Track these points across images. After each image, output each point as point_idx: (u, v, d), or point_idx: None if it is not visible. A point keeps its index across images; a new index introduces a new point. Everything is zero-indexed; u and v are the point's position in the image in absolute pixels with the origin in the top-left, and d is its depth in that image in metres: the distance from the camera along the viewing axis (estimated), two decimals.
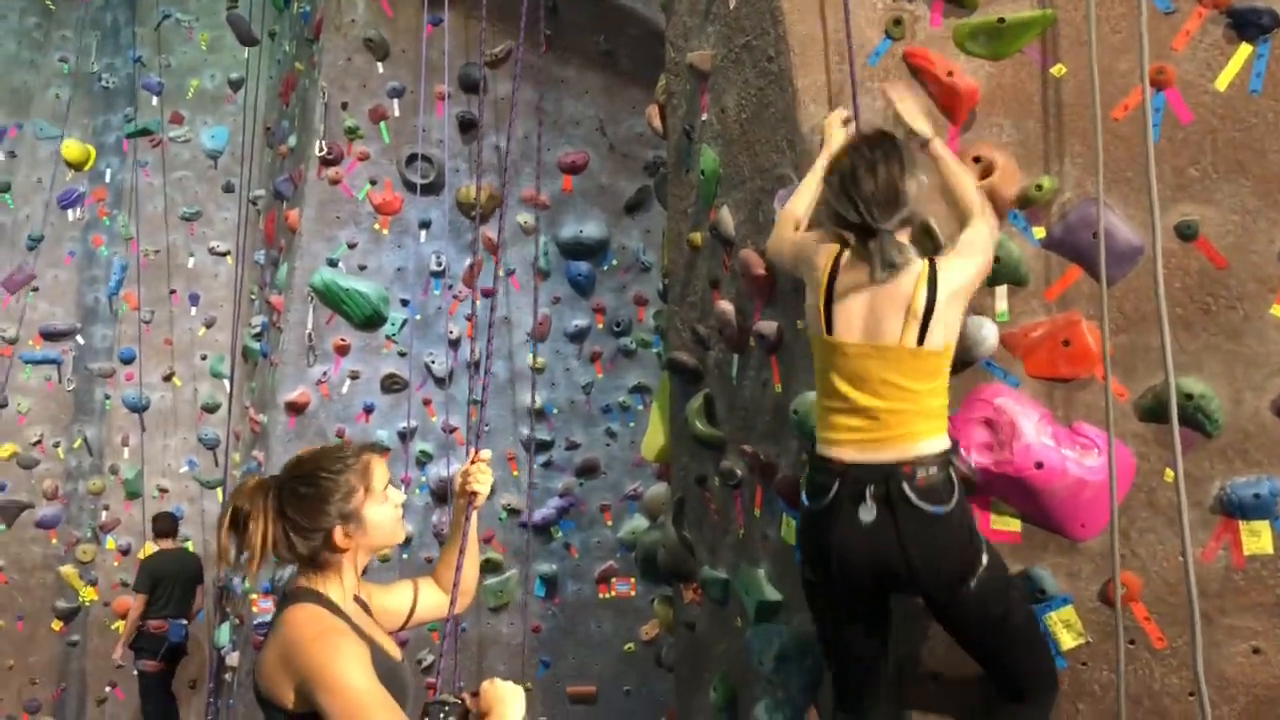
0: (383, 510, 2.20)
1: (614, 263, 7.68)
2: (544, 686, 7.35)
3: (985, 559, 2.58)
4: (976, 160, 2.90)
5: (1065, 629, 2.83)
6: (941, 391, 2.61)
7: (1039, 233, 2.90)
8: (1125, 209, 2.83)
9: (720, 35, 3.48)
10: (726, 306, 3.40)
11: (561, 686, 7.36)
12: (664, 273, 4.11)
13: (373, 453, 2.26)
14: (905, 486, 2.50)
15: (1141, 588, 2.79)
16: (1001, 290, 2.91)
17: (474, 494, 2.37)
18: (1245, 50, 2.78)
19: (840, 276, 2.64)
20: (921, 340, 2.54)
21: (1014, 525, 2.87)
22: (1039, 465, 2.78)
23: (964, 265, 2.61)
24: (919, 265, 2.58)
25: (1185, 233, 2.80)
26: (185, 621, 7.82)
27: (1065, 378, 2.86)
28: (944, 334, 2.57)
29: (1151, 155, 2.58)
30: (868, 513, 2.52)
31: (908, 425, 2.55)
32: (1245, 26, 2.77)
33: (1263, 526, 2.74)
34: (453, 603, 2.38)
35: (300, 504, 2.14)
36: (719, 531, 3.62)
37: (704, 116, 3.57)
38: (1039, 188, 2.88)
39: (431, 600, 2.42)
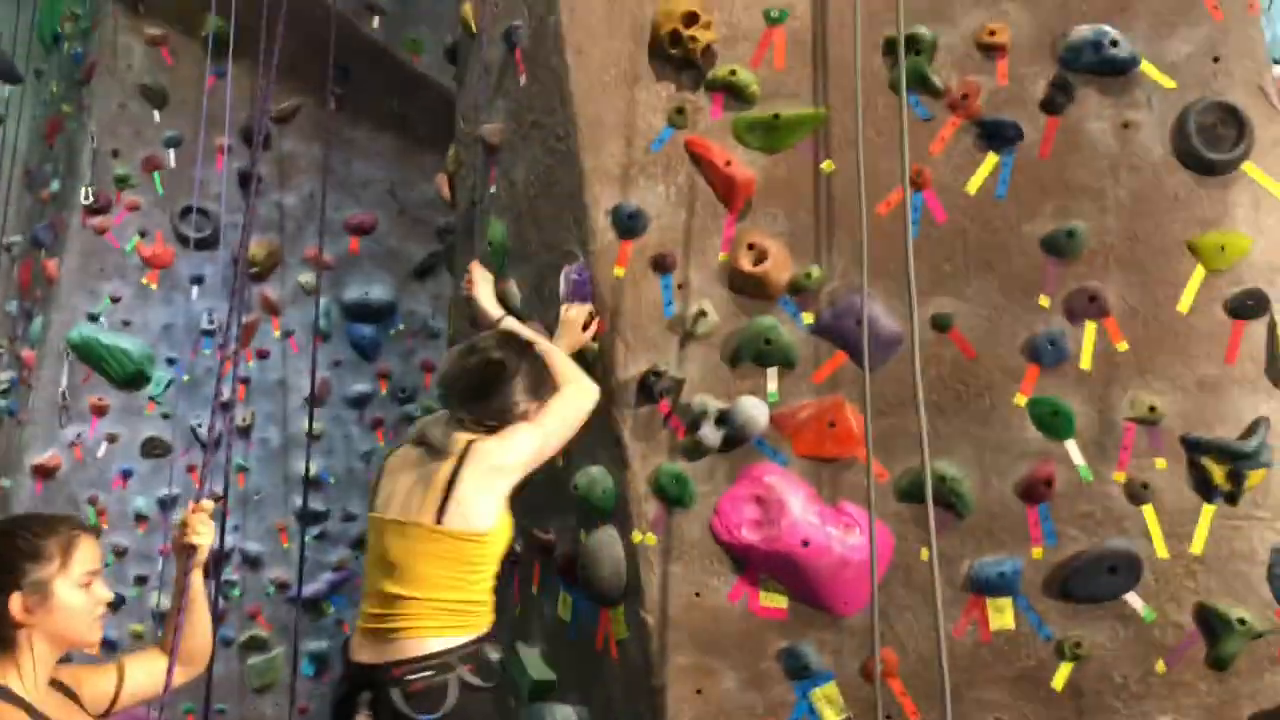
0: (75, 595, 2.00)
1: (401, 327, 7.52)
2: None
3: None
4: (751, 247, 3.01)
5: (827, 705, 2.91)
6: (472, 587, 2.52)
7: (808, 318, 3.03)
8: (887, 299, 3.00)
9: (510, 110, 3.50)
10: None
11: None
12: (450, 341, 4.06)
13: (87, 533, 2.07)
14: (393, 692, 2.41)
15: (898, 663, 2.91)
16: (772, 372, 3.02)
17: (192, 547, 2.18)
18: (992, 159, 3.02)
19: (394, 457, 2.71)
20: (440, 519, 2.48)
21: (781, 602, 2.95)
22: (805, 543, 2.87)
23: (506, 444, 2.57)
24: (460, 445, 2.57)
25: (941, 324, 2.99)
26: None
27: (830, 457, 2.98)
28: (469, 516, 2.48)
29: (910, 251, 2.74)
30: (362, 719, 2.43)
31: (418, 619, 2.47)
32: (992, 137, 3.02)
33: (1006, 603, 2.92)
34: (169, 670, 2.18)
35: None
36: (503, 615, 3.55)
37: (492, 189, 3.58)
38: (808, 276, 3.01)
39: (146, 672, 2.22)
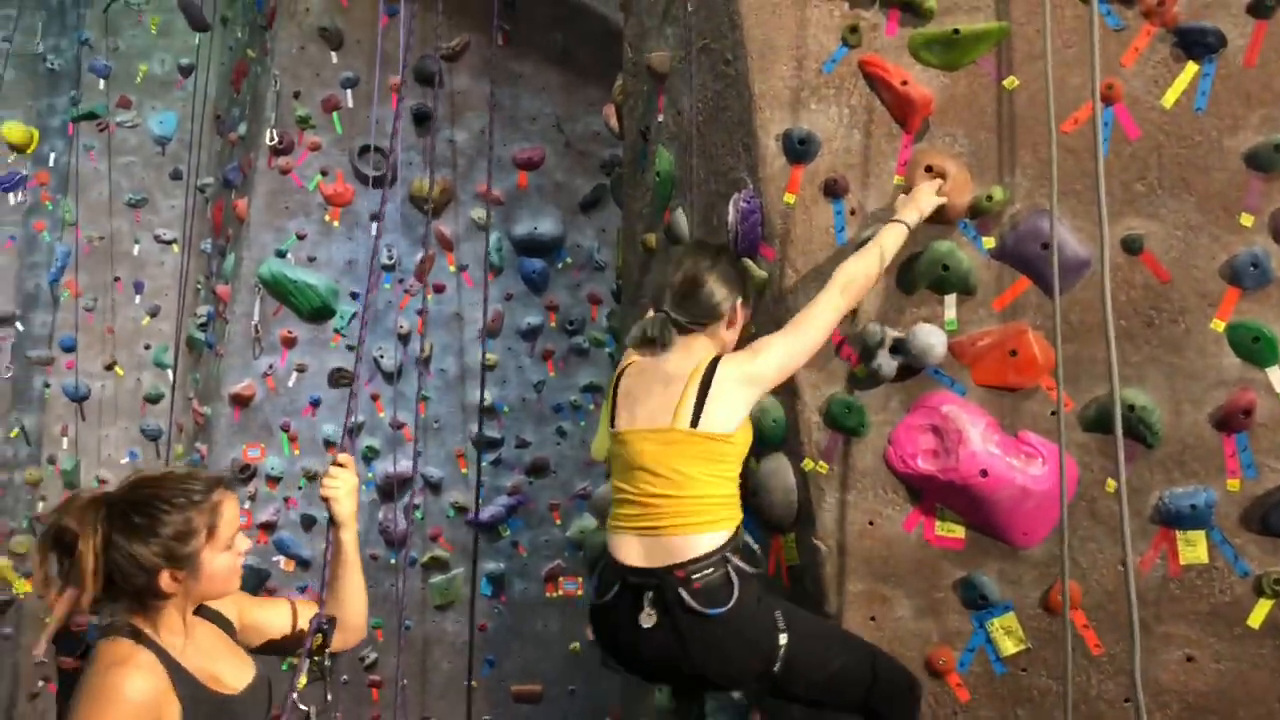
0: (223, 559, 1.99)
1: (568, 260, 7.65)
2: (489, 685, 7.31)
3: (784, 640, 2.51)
4: (929, 169, 2.92)
5: (1006, 635, 2.86)
6: (727, 482, 2.58)
7: (988, 243, 2.93)
8: (1073, 221, 2.87)
9: (678, 37, 3.48)
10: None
11: (506, 685, 7.33)
12: (617, 273, 4.10)
13: (225, 490, 2.02)
14: (681, 592, 2.45)
15: (1081, 596, 2.83)
16: (950, 299, 2.94)
17: (326, 500, 2.16)
18: (1191, 69, 2.83)
19: (626, 375, 2.76)
20: (696, 423, 2.54)
21: (958, 532, 2.90)
22: (984, 473, 2.81)
23: (759, 357, 2.60)
24: (702, 355, 2.63)
25: (1131, 246, 2.84)
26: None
27: (1012, 387, 2.90)
28: (722, 420, 2.54)
29: (1101, 169, 2.61)
30: (647, 619, 2.49)
31: (687, 517, 2.51)
32: (1192, 45, 2.82)
33: (1198, 537, 2.80)
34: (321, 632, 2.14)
35: (130, 535, 1.90)
36: None
37: (660, 118, 3.57)
38: (990, 198, 2.91)
39: (295, 624, 2.22)
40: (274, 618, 2.22)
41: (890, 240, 2.76)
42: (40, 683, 8.31)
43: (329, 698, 2.10)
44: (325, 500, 2.17)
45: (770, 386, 2.68)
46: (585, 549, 4.20)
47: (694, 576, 2.45)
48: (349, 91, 7.36)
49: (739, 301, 2.73)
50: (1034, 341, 2.87)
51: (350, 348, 7.30)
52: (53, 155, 8.99)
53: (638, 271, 3.77)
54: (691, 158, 3.31)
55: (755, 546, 2.67)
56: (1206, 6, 2.81)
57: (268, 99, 7.37)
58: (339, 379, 7.32)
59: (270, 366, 7.30)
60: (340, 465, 2.19)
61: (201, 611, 2.08)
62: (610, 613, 2.59)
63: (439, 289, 7.40)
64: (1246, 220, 2.80)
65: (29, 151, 8.98)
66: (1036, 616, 2.86)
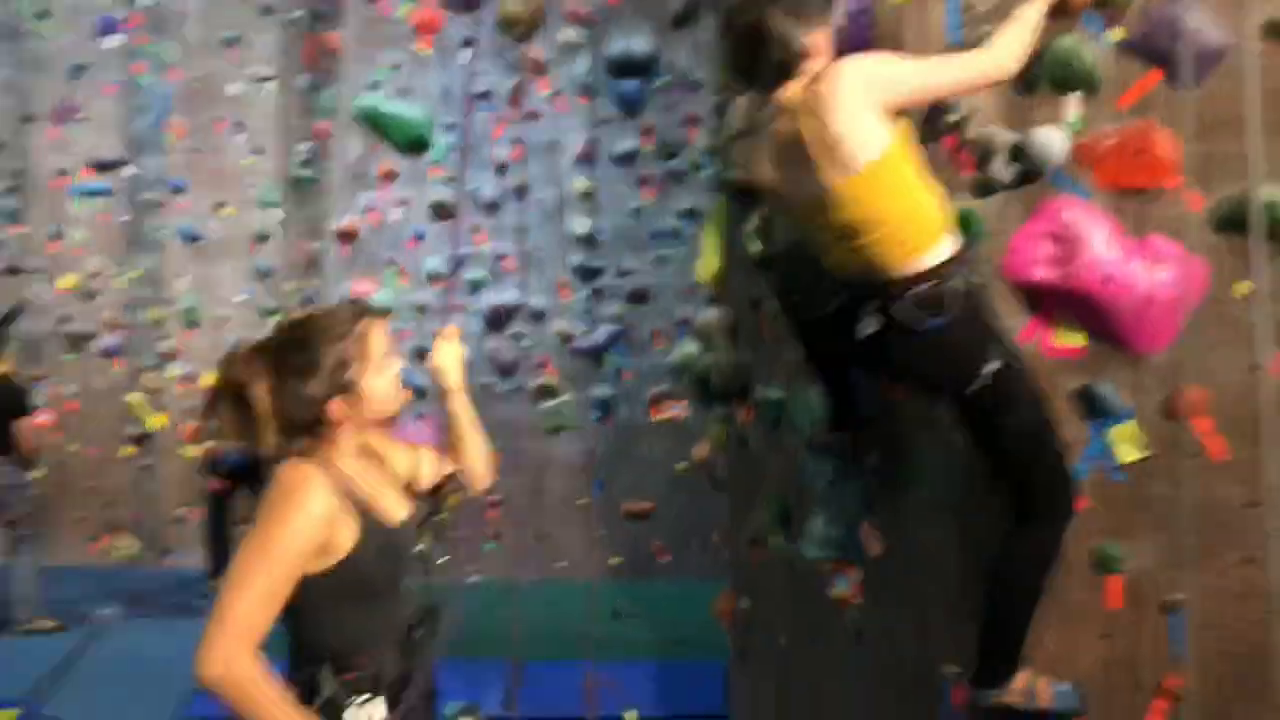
0: (379, 381, 2.12)
1: (665, 79, 7.46)
2: (599, 505, 7.57)
3: (991, 367, 2.50)
4: None
5: (1126, 442, 2.81)
6: (919, 201, 2.49)
7: (1116, 35, 2.74)
8: (1210, 6, 2.66)
9: None
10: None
11: (617, 505, 7.58)
12: (720, 88, 3.98)
13: (371, 317, 2.16)
14: (898, 304, 2.47)
15: (1209, 400, 2.75)
16: (1074, 97, 2.78)
17: (436, 372, 2.27)
18: None
19: (756, 164, 2.61)
20: (850, 168, 2.41)
21: (1078, 341, 2.83)
22: (1106, 279, 2.71)
23: (868, 87, 2.40)
24: (798, 97, 2.45)
25: (1275, 30, 2.63)
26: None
27: (1138, 188, 2.76)
28: (870, 147, 2.39)
29: None
30: (866, 326, 2.53)
31: (894, 247, 2.47)
32: None
33: None
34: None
35: (293, 373, 2.06)
36: (773, 353, 3.61)
37: None
38: None
39: (441, 472, 2.38)
40: (419, 460, 2.34)
41: (1029, 19, 2.57)
42: (182, 509, 8.87)
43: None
44: (434, 370, 2.28)
45: (893, 105, 2.45)
46: (690, 370, 4.23)
47: (912, 290, 2.46)
48: None
49: (817, 31, 2.50)
50: (1161, 140, 2.72)
51: (449, 179, 7.33)
52: None
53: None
54: None
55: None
56: None
57: None
58: (440, 212, 7.37)
59: (373, 200, 7.38)
60: (445, 338, 2.30)
61: (369, 455, 2.23)
62: (829, 321, 2.63)
63: (533, 116, 7.32)
64: None
65: None
66: (1158, 424, 2.80)
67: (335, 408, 2.08)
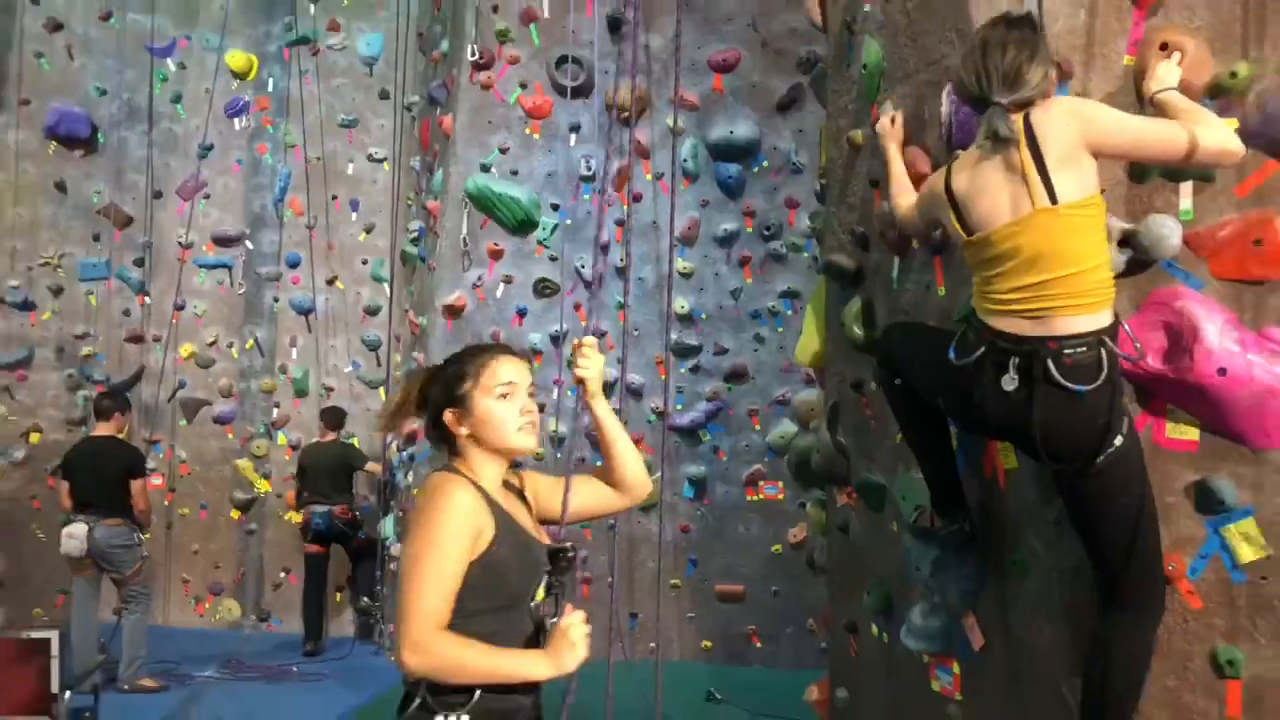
0: (492, 405, 2.25)
1: (764, 164, 7.55)
2: (692, 585, 7.50)
3: (1120, 441, 2.50)
4: (1164, 47, 2.71)
5: (1245, 542, 2.71)
6: (1101, 258, 2.49)
7: (1232, 124, 2.71)
8: None
9: None
10: (889, 207, 3.30)
11: (709, 585, 7.50)
12: (821, 173, 4.02)
13: (504, 354, 2.34)
14: (1050, 364, 2.46)
15: None
16: (1186, 186, 2.75)
17: (581, 380, 2.37)
18: None
19: (955, 179, 2.64)
20: (1054, 198, 2.44)
21: (1192, 434, 2.75)
22: (1222, 371, 2.64)
23: (1085, 124, 2.43)
24: (1017, 125, 2.49)
25: None
26: (331, 509, 8.08)
27: (1257, 279, 2.70)
28: (1076, 187, 2.43)
29: None
30: (1010, 382, 2.51)
31: (1065, 297, 2.46)
32: None
33: None
34: (562, 501, 2.40)
35: (433, 384, 2.35)
36: (876, 437, 3.59)
37: (867, 7, 3.44)
38: (1234, 75, 2.68)
39: (592, 494, 2.44)
40: (558, 492, 2.43)
41: (1185, 100, 2.54)
42: (282, 574, 9.06)
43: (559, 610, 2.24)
44: (580, 380, 2.38)
45: (1099, 151, 2.48)
46: (790, 453, 4.22)
47: (1066, 351, 2.45)
48: (545, 3, 7.41)
49: (1044, 70, 2.55)
50: None
51: (553, 258, 7.47)
52: (271, 80, 9.48)
53: (842, 170, 3.68)
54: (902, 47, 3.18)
55: (1132, 336, 2.62)
56: None
57: (468, 15, 7.52)
58: (544, 289, 7.51)
59: (479, 278, 7.56)
60: (586, 344, 2.39)
61: (507, 488, 2.36)
62: (967, 373, 2.62)
63: (636, 198, 7.45)
64: None
65: (250, 78, 9.50)
66: (1279, 523, 2.69)
67: (450, 418, 2.28)
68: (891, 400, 3.01)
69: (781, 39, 7.40)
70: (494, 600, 2.14)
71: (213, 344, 9.44)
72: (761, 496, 7.57)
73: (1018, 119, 2.50)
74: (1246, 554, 2.72)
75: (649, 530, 7.48)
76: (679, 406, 7.59)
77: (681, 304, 7.55)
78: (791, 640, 7.33)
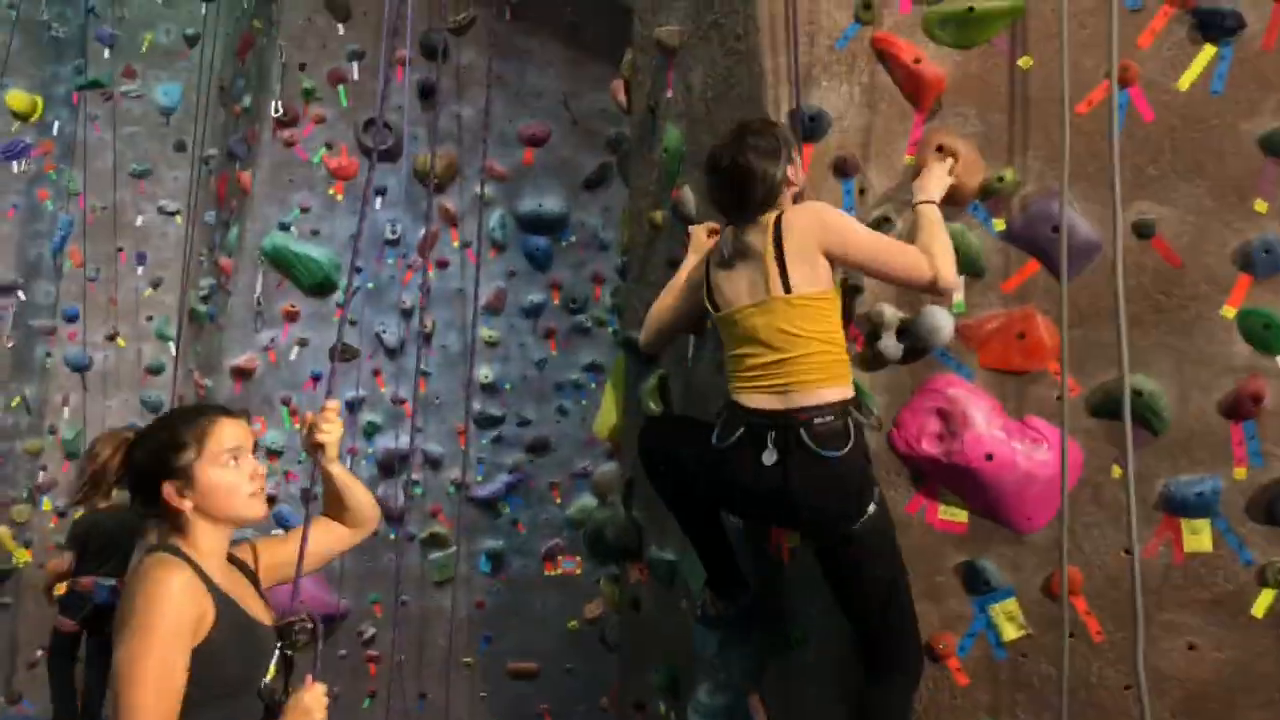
0: (219, 474, 2.12)
1: (572, 239, 7.62)
2: (485, 662, 7.32)
3: (874, 508, 2.67)
4: (940, 149, 2.89)
5: (1008, 621, 2.85)
6: (835, 342, 2.67)
7: (999, 225, 2.90)
8: (1084, 205, 2.84)
9: (689, 11, 3.44)
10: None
11: (503, 662, 7.34)
12: (622, 250, 4.07)
13: (226, 416, 2.19)
14: (802, 432, 2.60)
15: (1083, 582, 2.81)
16: (959, 280, 2.91)
17: (320, 446, 2.25)
18: (1209, 51, 2.79)
19: (714, 262, 2.83)
20: (788, 288, 2.63)
21: (961, 516, 2.89)
22: (989, 457, 2.79)
23: (823, 230, 2.63)
24: (769, 218, 2.69)
25: (1142, 231, 2.81)
26: (115, 585, 7.51)
27: (1018, 370, 2.87)
28: (809, 282, 2.63)
29: (1117, 151, 2.58)
30: (769, 456, 2.64)
31: (805, 374, 2.63)
32: (1209, 27, 2.79)
33: (1203, 525, 2.78)
34: (299, 563, 2.29)
35: (141, 454, 2.16)
36: (668, 513, 3.60)
37: (669, 93, 3.53)
38: (1001, 180, 2.88)
39: (324, 533, 2.37)
40: (287, 549, 2.33)
41: (940, 222, 2.73)
42: (39, 652, 8.32)
43: (288, 686, 2.14)
44: (318, 446, 2.25)
45: (839, 259, 2.67)
46: (585, 527, 4.19)
47: (816, 421, 2.60)
48: (355, 64, 7.30)
49: (789, 164, 2.73)
50: (1042, 325, 2.85)
51: (353, 322, 7.28)
52: (57, 124, 8.93)
53: (643, 249, 3.74)
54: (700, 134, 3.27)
55: (873, 408, 2.84)
56: None
57: (273, 70, 7.32)
58: (341, 353, 7.29)
59: (272, 340, 7.28)
60: (329, 410, 2.28)
61: (231, 561, 2.23)
62: (730, 455, 2.72)
63: (442, 265, 7.38)
64: (1260, 206, 2.77)
65: (33, 120, 8.93)
66: (1039, 602, 2.84)
67: (169, 491, 2.10)
68: (660, 490, 3.07)
69: (592, 118, 7.52)
70: (214, 689, 1.99)
71: None
72: (559, 571, 7.50)
73: (770, 218, 2.69)
74: (1009, 632, 2.85)
75: (441, 606, 7.26)
76: (479, 478, 7.46)
77: (485, 373, 7.47)
78: (583, 718, 7.23)
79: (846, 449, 2.60)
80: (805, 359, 2.63)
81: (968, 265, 2.88)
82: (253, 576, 2.27)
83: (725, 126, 3.22)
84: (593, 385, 7.57)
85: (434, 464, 7.36)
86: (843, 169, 2.97)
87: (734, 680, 3.18)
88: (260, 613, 2.18)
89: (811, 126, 2.98)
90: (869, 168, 2.97)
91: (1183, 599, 2.79)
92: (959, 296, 2.90)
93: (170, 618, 1.94)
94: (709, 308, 2.85)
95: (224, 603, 2.05)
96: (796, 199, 2.79)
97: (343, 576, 6.74)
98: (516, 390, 7.57)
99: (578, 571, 7.43)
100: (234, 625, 2.05)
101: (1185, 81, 2.81)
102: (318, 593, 6.49)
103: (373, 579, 7.08)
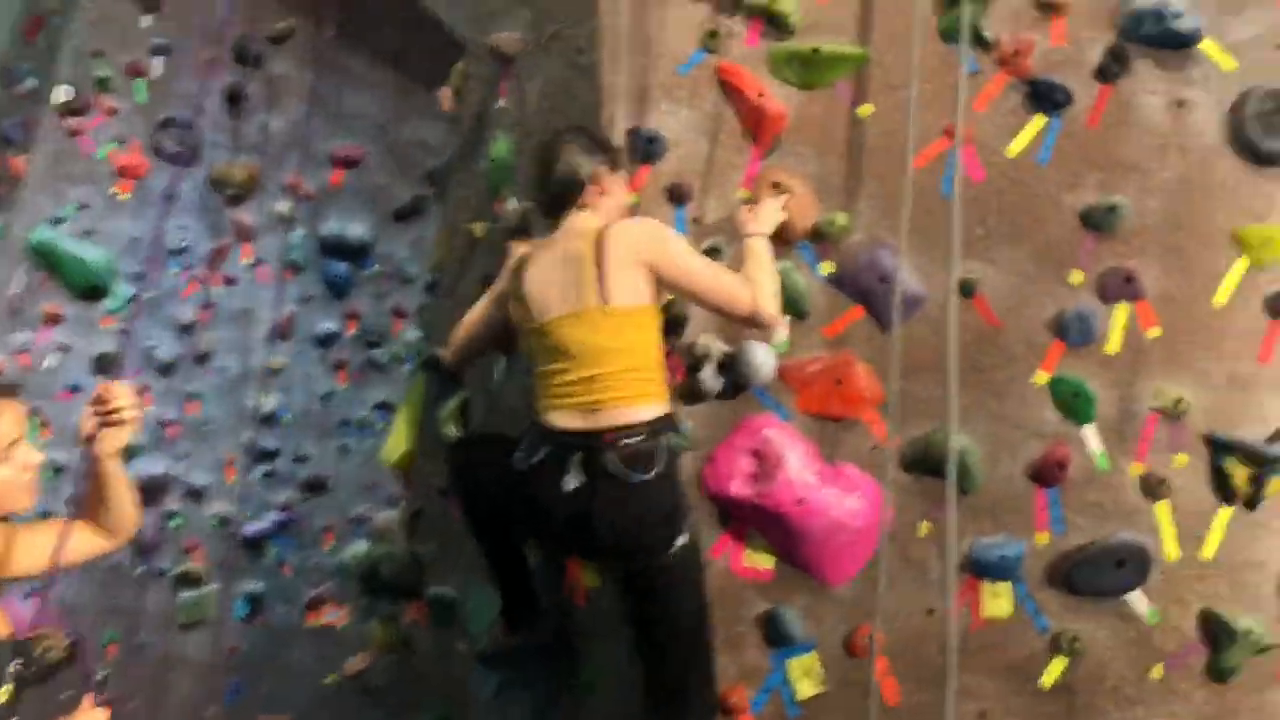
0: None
1: (376, 269, 7.28)
2: (233, 714, 6.70)
3: (685, 539, 2.53)
4: (775, 185, 2.82)
5: (805, 676, 2.73)
6: (651, 358, 2.54)
7: (826, 268, 2.85)
8: (913, 258, 2.81)
9: (530, 20, 3.29)
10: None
11: (252, 716, 6.74)
12: (435, 266, 3.83)
13: (2, 398, 1.94)
14: (607, 455, 2.44)
15: (885, 641, 2.73)
16: (782, 320, 2.83)
17: (119, 424, 1.98)
18: (1039, 121, 2.85)
19: (528, 270, 2.65)
20: (605, 298, 2.49)
21: (767, 563, 2.77)
22: (800, 502, 2.68)
23: (650, 241, 2.52)
24: (593, 226, 2.58)
25: (965, 289, 2.81)
26: None
27: (835, 417, 2.80)
28: (629, 294, 2.49)
29: (958, 209, 2.54)
30: (571, 481, 2.47)
31: (617, 390, 2.48)
32: (1042, 98, 2.85)
33: (1004, 588, 2.75)
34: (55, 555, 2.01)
35: None
36: (456, 548, 3.34)
37: (502, 103, 3.36)
38: (832, 223, 2.83)
39: (83, 542, 2.11)
40: (45, 540, 2.04)
41: (768, 256, 2.64)
42: None
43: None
44: (118, 424, 1.99)
45: (659, 277, 2.53)
46: (361, 562, 3.86)
47: (623, 442, 2.43)
48: (159, 59, 6.81)
49: (604, 168, 2.64)
50: (861, 373, 2.80)
51: (123, 332, 6.68)
52: None
53: (458, 264, 3.52)
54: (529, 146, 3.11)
55: (685, 432, 2.67)
56: (1060, 63, 2.85)
57: (64, 52, 6.75)
58: (105, 365, 6.66)
59: (26, 343, 6.58)
60: (129, 394, 2.02)
61: None
62: (533, 476, 2.54)
63: (230, 281, 6.89)
64: (1077, 277, 2.82)
65: None
66: (838, 658, 2.74)
67: None
68: (467, 510, 2.82)
69: (410, 147, 7.27)
70: None
71: None
72: (323, 622, 7.00)
73: (594, 225, 2.58)
74: (805, 689, 2.73)
75: (185, 651, 6.64)
76: (247, 514, 6.92)
77: (265, 402, 6.98)
78: None
79: (654, 472, 2.44)
80: (617, 375, 2.48)
81: (792, 305, 2.80)
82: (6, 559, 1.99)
83: None
84: (381, 425, 7.18)
85: (195, 495, 6.78)
86: (677, 195, 2.86)
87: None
88: None
89: (649, 149, 2.87)
90: (704, 197, 2.87)
91: (978, 664, 2.74)
92: (783, 335, 2.82)
93: None
94: (520, 317, 2.66)
95: None
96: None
97: (73, 610, 6.07)
98: (297, 423, 7.09)
99: (341, 624, 6.95)
100: None
101: (1016, 147, 2.85)
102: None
103: (112, 616, 6.41)
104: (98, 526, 2.12)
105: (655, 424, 2.48)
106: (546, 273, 2.60)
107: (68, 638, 1.98)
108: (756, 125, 2.89)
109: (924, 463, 2.74)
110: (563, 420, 2.52)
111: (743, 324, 2.61)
